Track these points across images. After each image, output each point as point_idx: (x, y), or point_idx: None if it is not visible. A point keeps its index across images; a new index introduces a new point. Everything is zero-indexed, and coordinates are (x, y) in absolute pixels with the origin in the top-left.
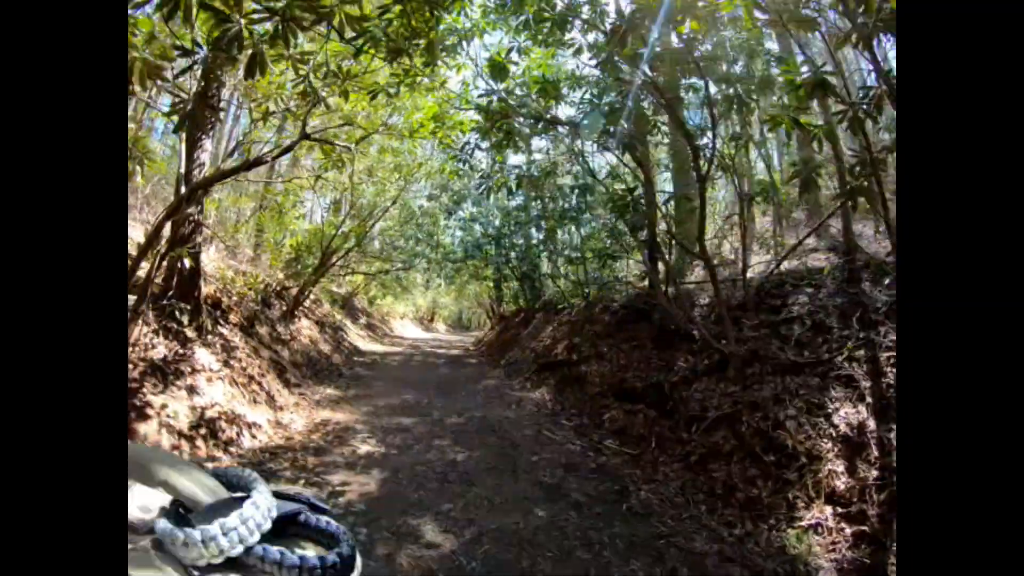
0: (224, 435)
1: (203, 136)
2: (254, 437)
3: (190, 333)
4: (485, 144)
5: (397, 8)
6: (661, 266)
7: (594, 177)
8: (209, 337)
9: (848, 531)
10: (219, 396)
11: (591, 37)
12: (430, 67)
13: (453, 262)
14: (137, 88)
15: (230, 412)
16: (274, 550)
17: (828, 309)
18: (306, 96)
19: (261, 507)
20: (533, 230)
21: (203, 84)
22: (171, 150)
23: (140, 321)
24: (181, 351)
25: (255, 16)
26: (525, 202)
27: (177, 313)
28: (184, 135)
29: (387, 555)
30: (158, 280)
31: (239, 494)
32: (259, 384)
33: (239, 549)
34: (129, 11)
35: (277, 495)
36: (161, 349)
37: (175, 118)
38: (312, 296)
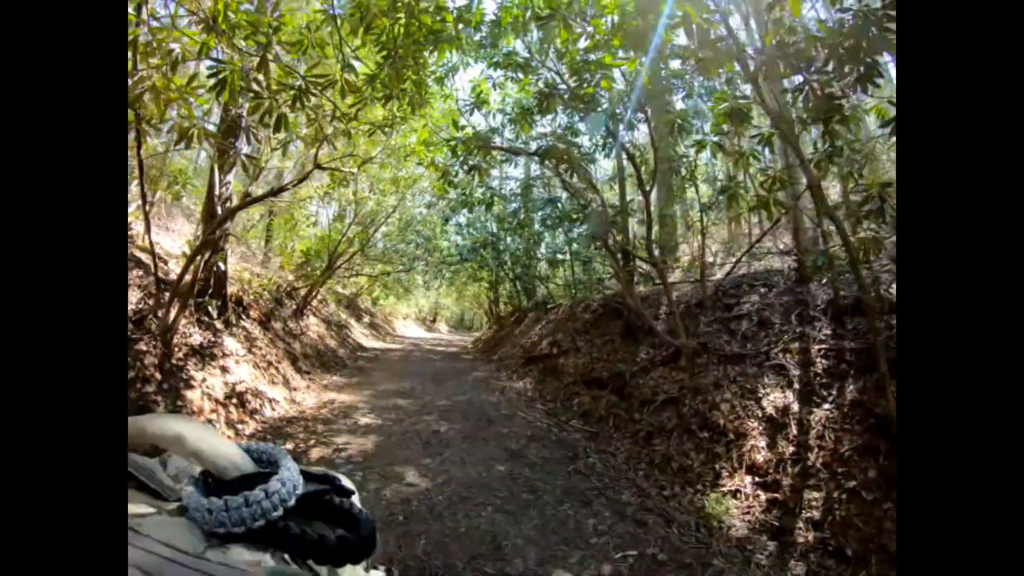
0: (250, 406)
1: (230, 168)
2: (273, 409)
3: (219, 325)
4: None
5: (387, 64)
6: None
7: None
8: (234, 329)
9: (763, 497)
10: (245, 375)
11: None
12: (418, 106)
13: (450, 265)
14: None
15: (254, 388)
16: (295, 526)
17: (774, 307)
18: (316, 136)
19: (287, 483)
20: (517, 238)
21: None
22: (196, 173)
23: (184, 314)
24: (213, 339)
25: (279, 91)
26: (514, 210)
27: (209, 308)
28: (216, 165)
29: (376, 490)
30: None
31: (267, 470)
32: (276, 368)
33: (261, 522)
34: (190, 98)
35: (305, 474)
36: (197, 337)
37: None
38: (319, 296)
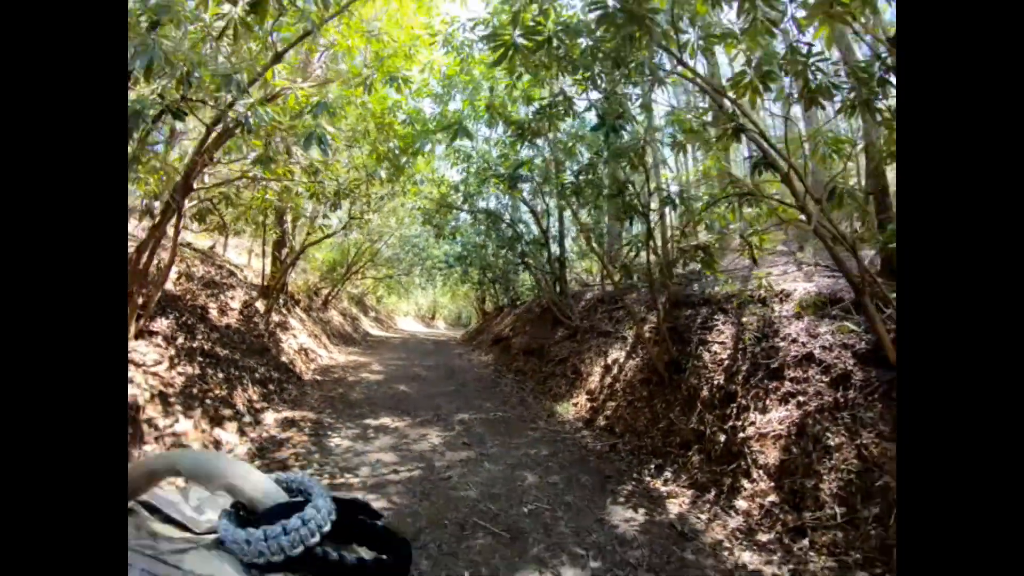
0: (309, 357)
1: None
2: (321, 360)
3: (285, 312)
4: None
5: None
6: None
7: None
8: (292, 314)
9: (588, 405)
10: (305, 340)
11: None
12: (400, 182)
13: (441, 270)
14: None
15: (311, 348)
16: (334, 552)
17: (641, 302)
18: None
19: (322, 510)
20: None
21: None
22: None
23: (274, 304)
24: (285, 319)
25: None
26: (482, 233)
27: (280, 300)
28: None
29: (383, 392)
30: (275, 286)
31: (298, 499)
32: (318, 339)
33: (299, 549)
34: (236, 184)
35: (335, 500)
36: (277, 317)
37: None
38: (337, 295)
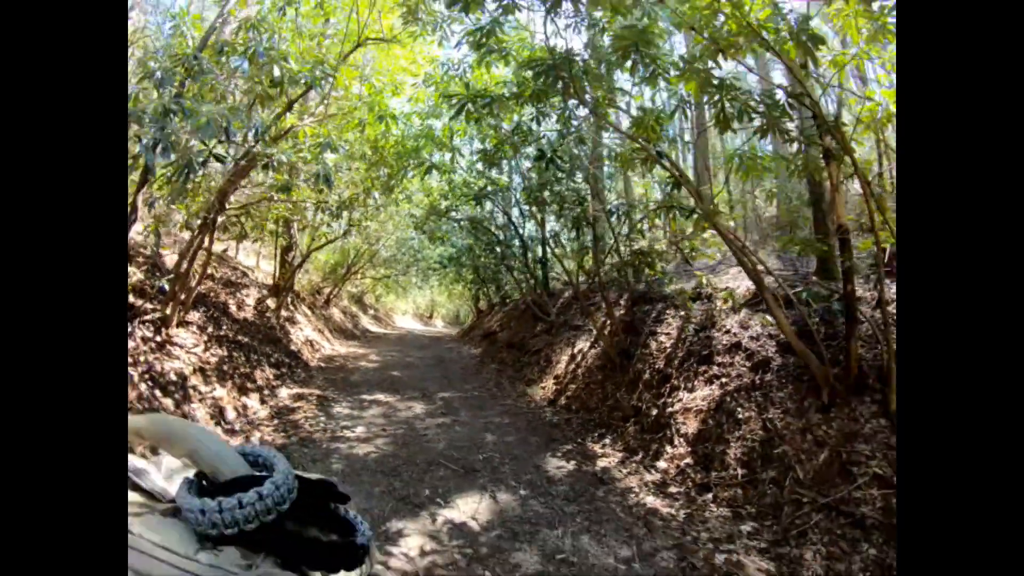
0: (314, 347)
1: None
2: (324, 351)
3: (292, 307)
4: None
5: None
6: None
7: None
8: (298, 310)
9: (554, 388)
10: (310, 333)
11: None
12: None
13: (435, 270)
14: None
15: (316, 340)
16: (289, 530)
17: (607, 300)
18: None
19: (281, 487)
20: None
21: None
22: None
23: (284, 301)
24: (292, 314)
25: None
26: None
27: (288, 298)
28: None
29: (381, 375)
30: (285, 285)
31: (263, 473)
32: (322, 332)
33: (254, 524)
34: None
35: (301, 479)
36: (286, 312)
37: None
38: (338, 294)
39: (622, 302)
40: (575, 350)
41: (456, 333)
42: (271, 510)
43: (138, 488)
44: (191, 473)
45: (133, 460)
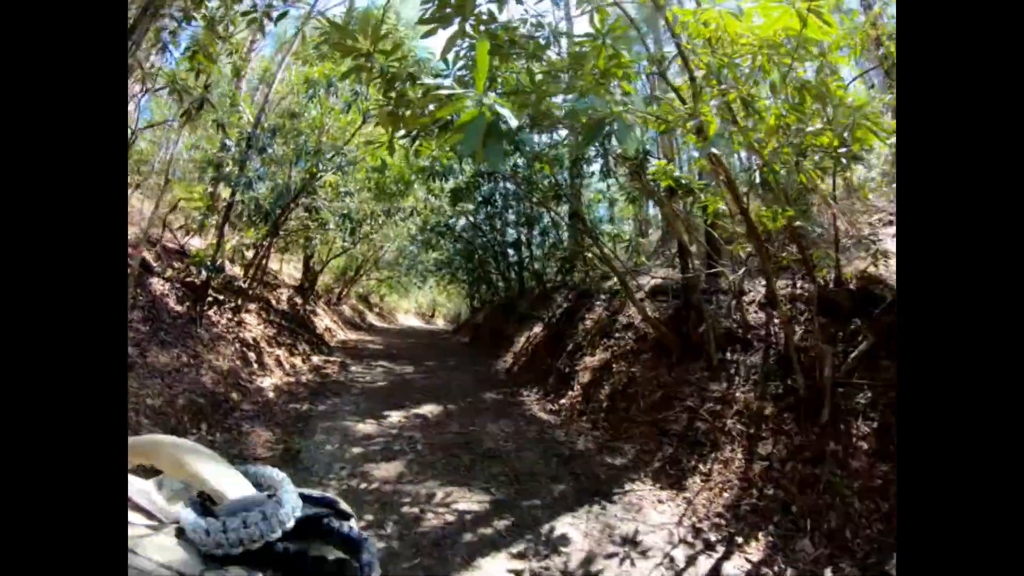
0: (332, 334)
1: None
2: (339, 337)
3: (313, 303)
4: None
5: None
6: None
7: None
8: (317, 305)
9: (512, 360)
10: (328, 323)
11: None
12: (391, 220)
13: (432, 273)
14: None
15: (332, 328)
16: (294, 549)
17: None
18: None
19: (286, 506)
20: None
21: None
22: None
23: (308, 298)
24: (313, 308)
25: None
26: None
27: (309, 295)
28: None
29: (381, 352)
30: (308, 286)
31: (266, 493)
32: (336, 323)
33: (259, 544)
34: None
35: (304, 497)
36: (309, 307)
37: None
38: (346, 292)
39: (570, 296)
40: (531, 333)
41: (452, 328)
42: (275, 529)
43: (140, 509)
44: (194, 494)
45: (134, 481)
